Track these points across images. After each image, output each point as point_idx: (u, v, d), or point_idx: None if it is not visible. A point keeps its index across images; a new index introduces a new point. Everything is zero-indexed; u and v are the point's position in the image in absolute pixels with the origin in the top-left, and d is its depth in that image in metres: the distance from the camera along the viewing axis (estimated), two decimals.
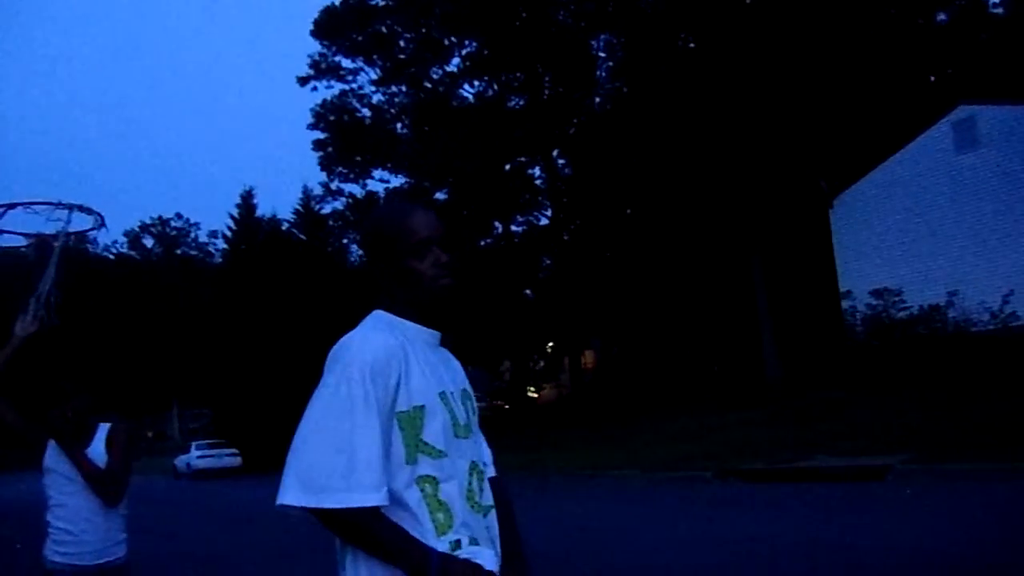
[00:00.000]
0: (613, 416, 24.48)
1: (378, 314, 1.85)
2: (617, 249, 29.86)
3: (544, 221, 37.14)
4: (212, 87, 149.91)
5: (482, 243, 36.91)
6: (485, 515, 1.84)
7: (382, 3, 36.54)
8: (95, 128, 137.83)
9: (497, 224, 37.16)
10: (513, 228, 37.62)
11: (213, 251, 67.36)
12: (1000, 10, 31.79)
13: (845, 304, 21.48)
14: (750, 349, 24.61)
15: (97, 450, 3.74)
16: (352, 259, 40.11)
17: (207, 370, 37.89)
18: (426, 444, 1.71)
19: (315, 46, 37.63)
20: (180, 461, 35.91)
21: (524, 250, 36.26)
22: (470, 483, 1.80)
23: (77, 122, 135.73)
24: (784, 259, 24.62)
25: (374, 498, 1.63)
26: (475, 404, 1.98)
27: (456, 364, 1.99)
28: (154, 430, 63.48)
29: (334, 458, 1.62)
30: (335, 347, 1.75)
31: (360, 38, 36.84)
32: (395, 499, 1.68)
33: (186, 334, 48.82)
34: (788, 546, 7.56)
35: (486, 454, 1.99)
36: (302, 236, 36.74)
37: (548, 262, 37.23)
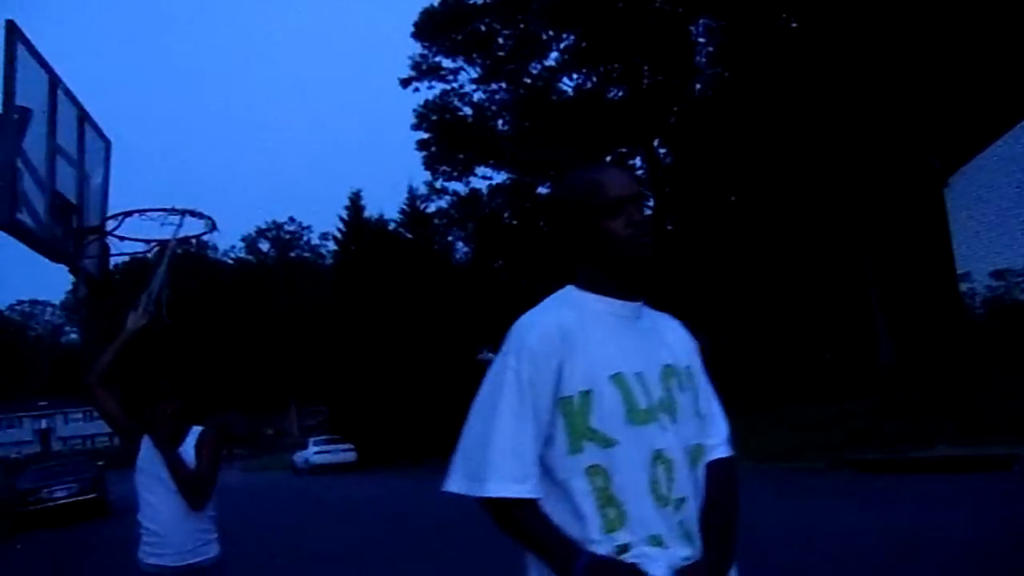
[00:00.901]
0: (723, 407, 24.14)
1: (565, 290, 1.79)
2: (722, 238, 29.41)
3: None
4: (319, 94, 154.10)
5: None
6: (677, 508, 1.66)
7: (480, 2, 36.89)
8: (211, 137, 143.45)
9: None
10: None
11: (325, 253, 69.26)
12: None
13: (963, 286, 20.66)
14: (864, 336, 23.94)
15: (187, 454, 3.80)
16: (458, 256, 40.68)
17: (322, 368, 39.11)
18: (594, 431, 1.61)
19: (416, 47, 38.31)
20: (299, 457, 37.18)
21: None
22: (654, 474, 1.64)
23: (195, 132, 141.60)
24: (897, 241, 23.82)
25: (514, 489, 1.58)
26: (693, 380, 1.81)
27: (669, 336, 1.84)
28: (274, 428, 65.80)
29: (483, 445, 1.61)
30: (512, 326, 1.71)
31: (459, 37, 37.28)
32: (561, 491, 1.61)
33: (302, 334, 50.43)
34: (906, 539, 7.42)
35: (696, 435, 1.76)
36: (409, 235, 37.48)
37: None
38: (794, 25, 28.16)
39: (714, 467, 1.80)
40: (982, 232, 20.53)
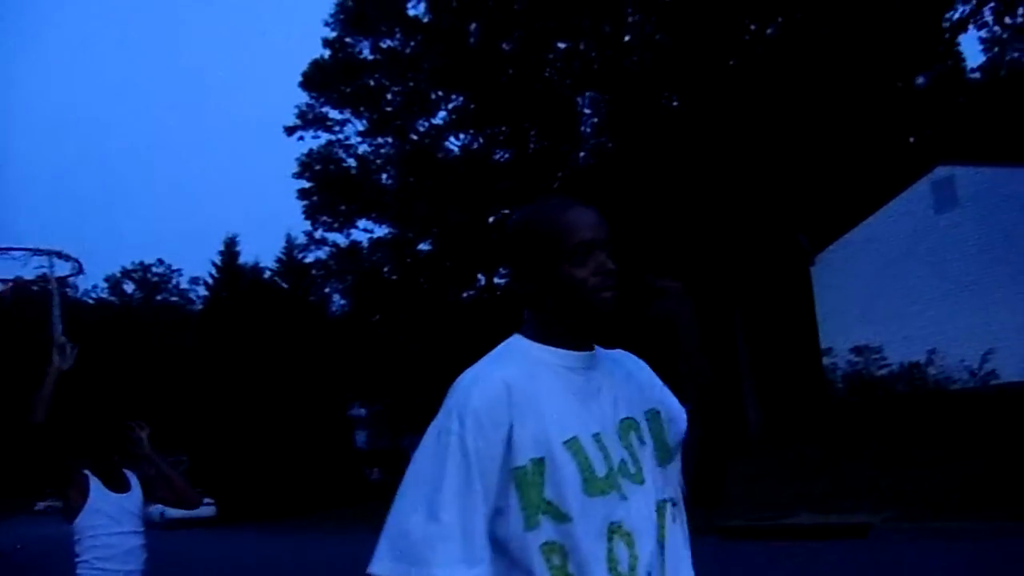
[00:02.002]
0: None
1: (512, 340, 1.58)
2: None
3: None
4: (197, 135, 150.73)
5: (465, 295, 36.96)
6: None
7: (370, 58, 37.01)
8: (80, 173, 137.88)
9: (480, 276, 37.25)
10: (496, 280, 37.71)
11: (194, 298, 67.09)
12: (977, 75, 32.54)
13: (826, 360, 21.54)
14: (732, 404, 24.56)
15: (136, 490, 3.85)
16: (334, 309, 40.01)
17: (184, 417, 37.50)
18: (549, 504, 1.43)
19: (302, 97, 37.95)
20: (153, 509, 35.15)
21: (507, 303, 36.28)
22: (612, 550, 1.46)
23: (63, 167, 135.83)
24: (766, 315, 24.73)
25: (465, 574, 1.38)
26: (660, 424, 1.60)
27: (621, 378, 1.62)
28: None
29: (424, 524, 1.38)
30: (452, 385, 1.50)
31: (348, 90, 37.21)
32: (518, 571, 1.43)
33: (164, 380, 48.38)
34: None
35: (665, 483, 1.58)
36: (284, 285, 36.69)
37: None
38: (675, 104, 29.29)
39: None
40: (844, 309, 21.51)
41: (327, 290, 40.76)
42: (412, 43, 36.59)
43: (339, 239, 39.69)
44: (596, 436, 1.49)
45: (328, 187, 38.10)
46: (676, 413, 1.65)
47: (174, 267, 74.55)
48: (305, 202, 38.89)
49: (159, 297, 73.58)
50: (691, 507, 1.61)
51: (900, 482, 13.72)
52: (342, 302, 40.73)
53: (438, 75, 34.63)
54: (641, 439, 1.57)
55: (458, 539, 1.38)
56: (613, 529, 1.46)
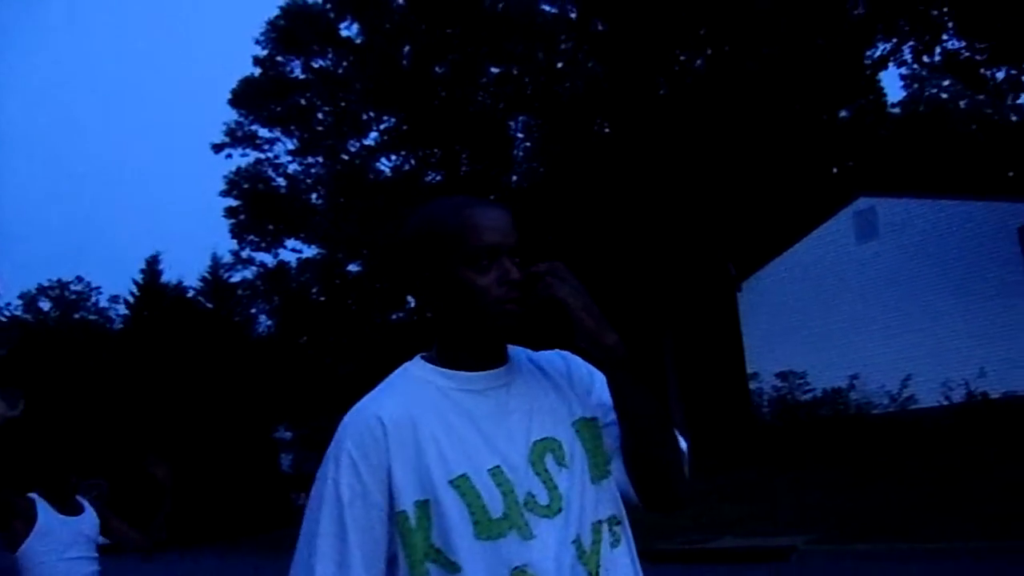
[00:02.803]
0: None
1: (409, 365, 1.44)
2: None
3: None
4: (120, 149, 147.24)
5: (394, 317, 36.67)
6: None
7: (302, 77, 36.71)
8: None
9: (410, 299, 37.01)
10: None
11: (114, 316, 65.28)
12: (897, 109, 33.71)
13: (752, 386, 21.88)
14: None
15: (91, 515, 3.75)
16: (260, 330, 39.30)
17: (102, 439, 36.33)
18: (436, 551, 1.28)
19: (231, 114, 37.40)
20: None
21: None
22: None
23: None
24: (695, 341, 25.05)
25: None
26: (598, 445, 1.44)
27: (538, 388, 1.44)
28: None
29: (303, 570, 1.30)
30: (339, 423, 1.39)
31: (278, 109, 36.79)
32: None
33: (81, 401, 46.86)
34: None
35: (597, 504, 1.40)
36: (209, 304, 35.91)
37: None
38: (607, 131, 29.65)
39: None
40: (770, 335, 21.91)
41: (253, 311, 40.01)
42: (344, 63, 36.43)
43: (267, 259, 39.11)
44: (494, 471, 1.32)
45: (256, 206, 37.51)
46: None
47: (93, 285, 72.47)
48: (232, 221, 38.25)
49: (77, 315, 71.38)
50: (648, 513, 1.50)
51: (823, 505, 13.95)
52: (268, 323, 40.04)
53: (370, 96, 34.48)
54: (560, 461, 1.37)
55: None
56: (517, 574, 1.29)
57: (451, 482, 1.29)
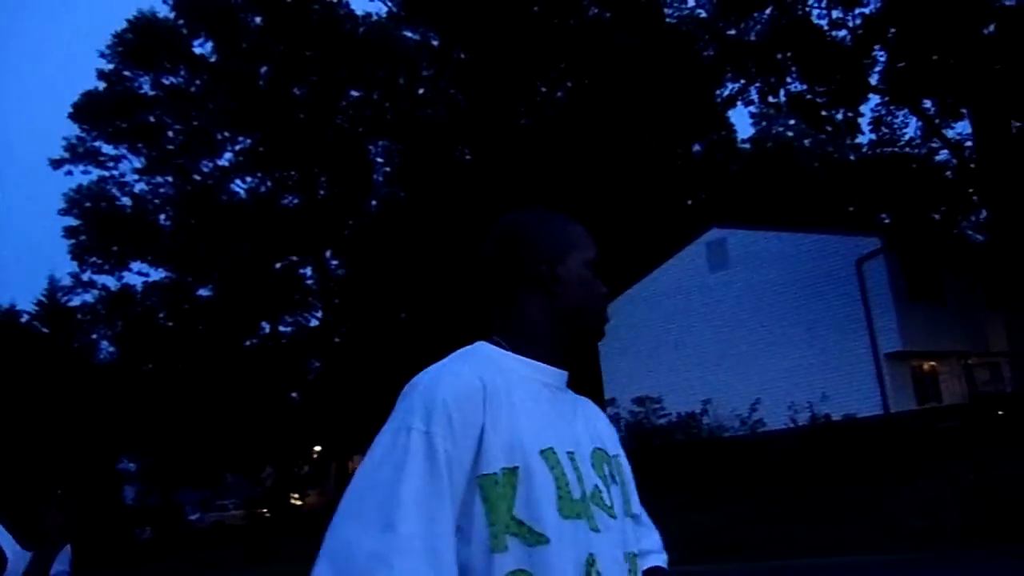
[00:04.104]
0: None
1: (478, 346, 1.36)
2: (389, 352, 29.63)
3: (314, 322, 36.39)
4: None
5: (247, 343, 35.53)
6: None
7: (152, 93, 35.30)
8: None
9: (264, 324, 35.98)
10: (281, 328, 36.57)
11: None
12: (747, 146, 35.41)
13: (609, 411, 22.28)
14: None
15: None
16: (102, 356, 37.26)
17: None
18: (519, 523, 1.19)
19: (72, 129, 35.53)
20: None
21: (292, 351, 35.20)
22: None
23: None
24: None
25: None
26: (623, 472, 1.43)
27: (593, 412, 1.46)
28: None
29: (376, 536, 1.12)
30: (408, 384, 1.27)
31: (124, 125, 35.18)
32: None
33: None
34: None
35: (632, 541, 1.38)
36: (45, 329, 33.84)
37: (317, 364, 36.30)
38: (468, 157, 29.85)
39: None
40: (626, 361, 22.40)
41: (94, 336, 37.89)
42: (198, 81, 35.31)
43: (109, 282, 37.14)
44: (571, 455, 1.28)
45: (99, 226, 35.62)
46: (648, 529, 1.55)
47: None
48: (72, 241, 36.22)
49: None
50: None
51: (675, 527, 14.28)
52: (111, 349, 38.00)
53: (225, 115, 33.54)
54: (613, 476, 1.38)
55: (420, 554, 1.12)
56: (590, 562, 1.24)
57: (542, 452, 1.24)
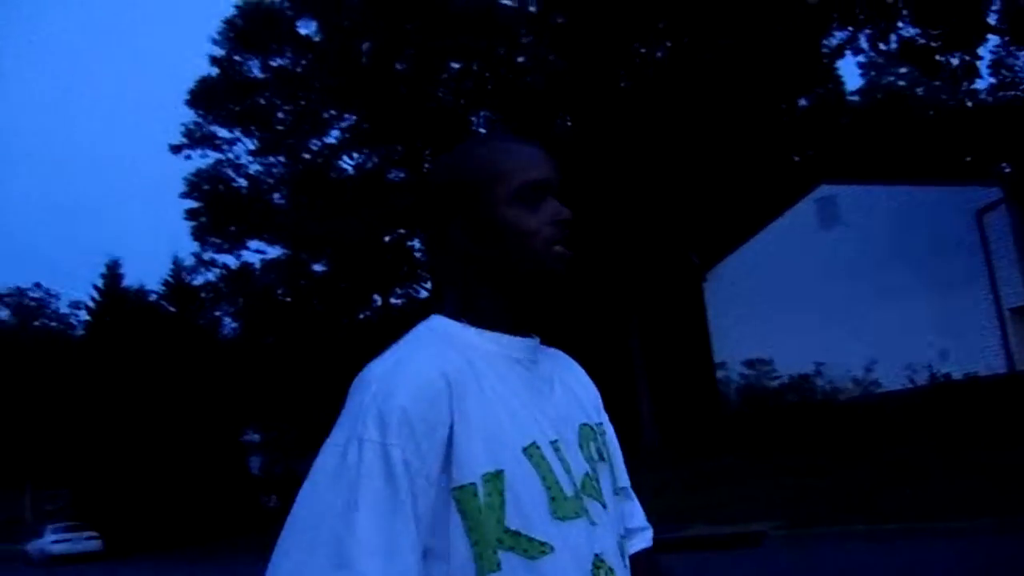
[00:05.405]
0: None
1: (432, 321, 1.18)
2: None
3: (424, 294, 37.03)
4: (78, 152, 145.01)
5: (361, 316, 36.47)
6: None
7: (260, 76, 36.32)
8: None
9: (376, 297, 36.83)
10: (392, 301, 37.34)
11: (75, 323, 64.33)
12: (856, 98, 34.07)
13: (720, 374, 22.03)
14: (628, 419, 24.90)
15: None
16: (225, 332, 38.89)
17: (65, 448, 35.78)
18: (515, 535, 1.03)
19: (189, 114, 36.93)
20: (33, 547, 33.49)
21: (403, 323, 35.78)
22: None
23: None
24: (661, 331, 25.16)
25: None
26: (608, 445, 1.27)
27: (572, 375, 1.28)
28: (5, 513, 59.33)
29: (327, 568, 0.95)
30: (356, 378, 1.09)
31: (237, 108, 36.37)
32: None
33: (42, 409, 46.16)
34: None
35: (620, 518, 1.24)
36: (172, 308, 35.47)
37: None
38: (568, 124, 29.66)
39: (640, 564, 1.27)
40: (736, 324, 22.05)
41: (217, 313, 39.56)
42: (303, 62, 36.10)
43: (229, 261, 38.66)
44: (555, 444, 1.11)
45: (217, 207, 37.08)
46: (633, 504, 1.34)
47: (52, 291, 71.36)
48: (193, 223, 37.80)
49: (36, 323, 70.24)
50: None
51: (792, 490, 14.06)
52: (233, 325, 39.62)
53: (330, 94, 34.23)
54: (600, 453, 1.21)
55: None
56: (598, 564, 1.10)
57: (524, 449, 1.07)
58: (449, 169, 1.21)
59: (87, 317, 40.73)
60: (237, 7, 34.98)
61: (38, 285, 71.67)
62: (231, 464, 31.04)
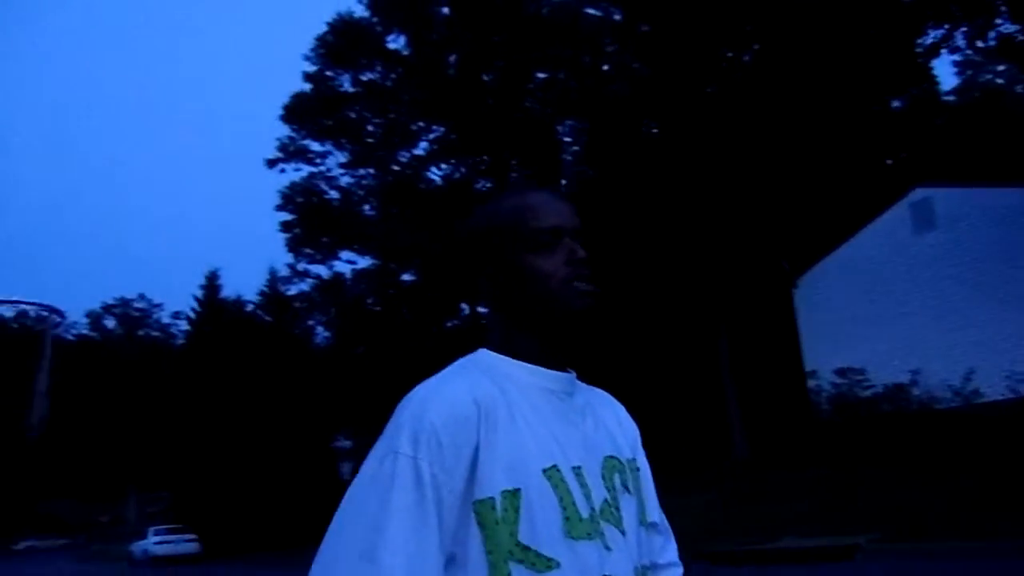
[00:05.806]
0: None
1: (477, 354, 1.31)
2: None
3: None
4: (178, 168, 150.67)
5: (449, 324, 36.90)
6: None
7: (352, 90, 37.19)
8: (61, 208, 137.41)
9: (464, 306, 37.24)
10: (480, 310, 37.68)
11: (176, 332, 66.69)
12: (952, 98, 32.98)
13: (811, 383, 21.58)
14: (717, 429, 24.58)
15: None
16: (318, 341, 39.82)
17: (166, 453, 37.13)
18: (524, 549, 1.13)
19: (284, 129, 38.03)
20: (136, 548, 34.83)
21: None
22: None
23: (42, 201, 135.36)
24: (750, 339, 24.78)
25: None
26: (638, 478, 1.37)
27: (609, 418, 1.37)
28: (111, 515, 61.77)
29: (355, 564, 1.11)
30: (403, 398, 1.23)
31: (329, 122, 37.31)
32: None
33: (145, 416, 47.97)
34: None
35: (644, 552, 1.32)
36: (267, 318, 36.50)
37: None
38: (655, 131, 29.49)
39: None
40: (827, 332, 21.58)
41: (310, 322, 40.58)
42: (392, 76, 36.82)
43: (322, 271, 39.65)
44: (577, 470, 1.21)
45: (310, 219, 38.09)
46: (664, 539, 1.43)
47: (155, 302, 74.14)
48: (287, 235, 38.88)
49: (140, 332, 73.04)
50: (707, 514, 1.45)
51: (887, 502, 13.71)
52: (326, 334, 40.57)
53: (419, 106, 34.81)
54: (626, 485, 1.31)
55: None
56: None
57: (545, 471, 1.17)
58: (475, 225, 1.35)
59: (188, 327, 42.25)
60: (328, 24, 35.92)
61: (142, 296, 74.69)
62: (323, 469, 31.74)
